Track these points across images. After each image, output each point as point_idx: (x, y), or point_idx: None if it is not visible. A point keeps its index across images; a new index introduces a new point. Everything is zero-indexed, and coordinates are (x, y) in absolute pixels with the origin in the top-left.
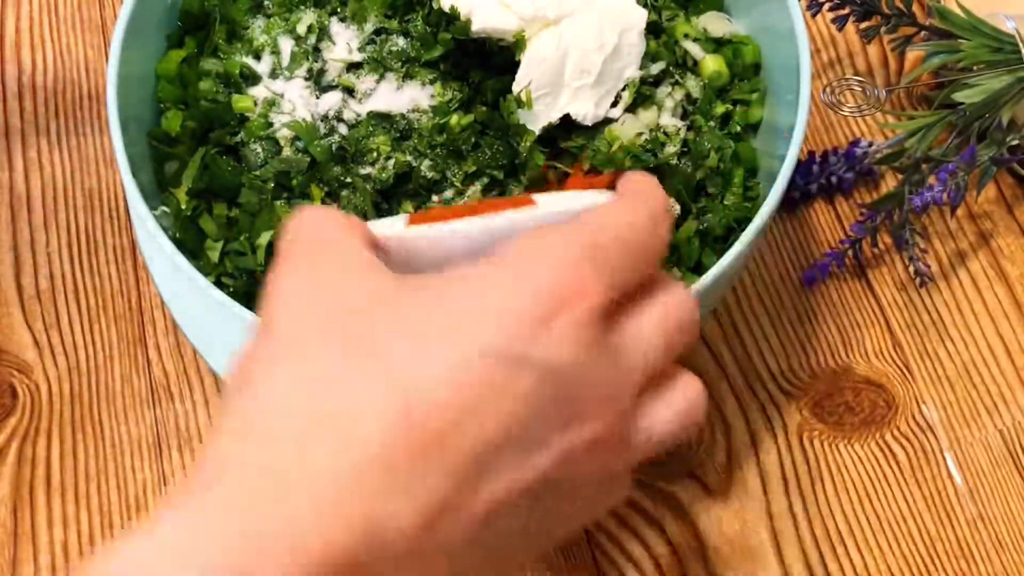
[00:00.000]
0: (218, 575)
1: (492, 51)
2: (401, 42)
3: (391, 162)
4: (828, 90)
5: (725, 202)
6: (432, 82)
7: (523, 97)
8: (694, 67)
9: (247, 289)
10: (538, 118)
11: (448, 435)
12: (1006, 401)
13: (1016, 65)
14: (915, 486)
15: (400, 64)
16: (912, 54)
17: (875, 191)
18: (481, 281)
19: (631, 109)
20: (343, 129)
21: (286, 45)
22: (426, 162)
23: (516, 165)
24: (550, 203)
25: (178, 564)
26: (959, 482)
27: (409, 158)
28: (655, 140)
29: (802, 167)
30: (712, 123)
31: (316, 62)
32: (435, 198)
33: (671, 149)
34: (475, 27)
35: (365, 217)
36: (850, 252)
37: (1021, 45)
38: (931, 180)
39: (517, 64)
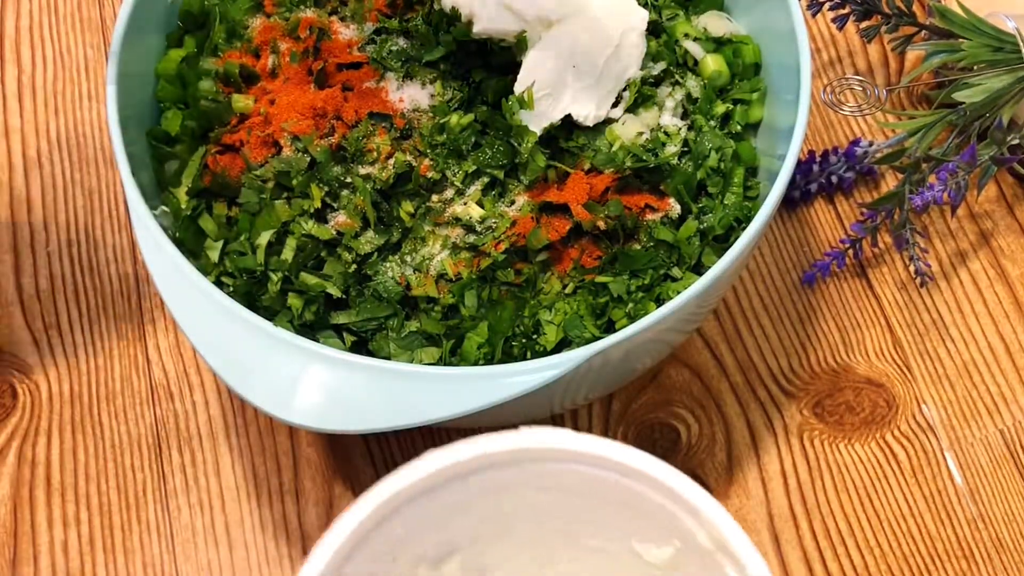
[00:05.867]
0: None
1: (493, 51)
2: (401, 42)
3: (391, 162)
4: (828, 89)
5: (725, 202)
6: (432, 82)
7: (525, 98)
8: (694, 67)
9: (247, 289)
10: (540, 119)
11: None
12: (1006, 401)
13: (1016, 65)
14: (915, 486)
15: (400, 64)
16: (912, 53)
17: (875, 191)
18: None
19: (632, 109)
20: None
21: (286, 44)
22: (426, 162)
23: (516, 165)
24: None
25: None
26: (959, 482)
27: (409, 158)
28: (656, 140)
29: (802, 166)
30: (712, 123)
31: (316, 61)
32: (435, 197)
33: (672, 149)
34: (477, 28)
35: (364, 218)
36: (850, 252)
37: (1021, 45)
38: (931, 179)
39: (518, 64)
